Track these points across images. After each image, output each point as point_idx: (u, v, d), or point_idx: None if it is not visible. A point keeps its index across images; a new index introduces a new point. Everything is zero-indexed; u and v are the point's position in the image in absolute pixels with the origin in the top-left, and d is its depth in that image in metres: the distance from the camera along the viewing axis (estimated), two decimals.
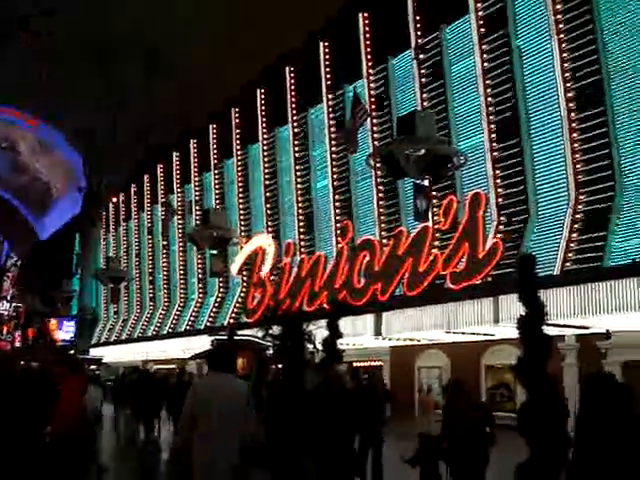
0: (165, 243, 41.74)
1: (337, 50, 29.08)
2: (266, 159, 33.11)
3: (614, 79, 19.07)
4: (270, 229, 32.32)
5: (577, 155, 19.85)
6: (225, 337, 19.82)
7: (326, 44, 29.38)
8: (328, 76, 29.27)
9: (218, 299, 35.96)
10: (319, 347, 12.17)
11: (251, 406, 6.29)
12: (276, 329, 12.57)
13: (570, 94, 20.02)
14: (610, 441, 4.75)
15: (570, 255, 19.31)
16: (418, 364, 25.61)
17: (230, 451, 5.94)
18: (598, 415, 4.86)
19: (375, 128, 26.43)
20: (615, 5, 19.05)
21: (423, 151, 15.22)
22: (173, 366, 33.41)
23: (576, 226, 19.56)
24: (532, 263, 7.51)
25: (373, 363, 26.74)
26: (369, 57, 27.18)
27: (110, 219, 50.01)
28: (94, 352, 45.08)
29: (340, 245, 26.75)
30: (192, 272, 39.08)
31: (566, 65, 20.13)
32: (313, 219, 29.90)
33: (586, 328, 19.03)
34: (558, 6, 20.36)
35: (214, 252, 29.12)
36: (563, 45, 20.20)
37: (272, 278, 29.96)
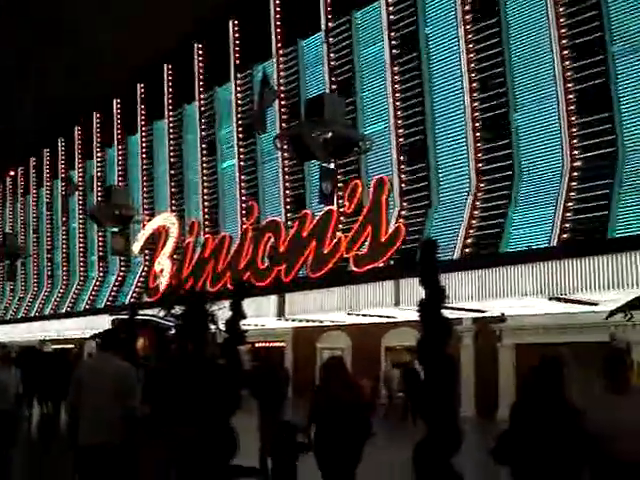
0: (65, 219, 40.61)
1: (247, 29, 28.82)
2: (172, 136, 32.59)
3: (516, 66, 19.64)
4: (174, 208, 31.90)
5: (478, 144, 20.40)
6: (126, 316, 19.46)
7: (236, 22, 29.08)
8: (237, 55, 29.01)
9: (119, 278, 35.32)
10: (222, 328, 12.13)
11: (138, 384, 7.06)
12: (178, 309, 12.45)
13: (474, 84, 20.52)
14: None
15: (469, 241, 19.86)
16: (320, 345, 25.88)
17: (109, 424, 6.64)
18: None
19: (283, 110, 26.39)
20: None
21: (330, 134, 15.35)
22: (71, 346, 32.61)
23: (475, 212, 20.13)
24: (434, 247, 7.64)
25: (275, 344, 26.85)
26: (279, 38, 27.06)
27: (7, 193, 48.24)
28: None
29: (245, 226, 26.68)
30: (92, 250, 38.20)
31: (471, 55, 20.62)
32: (218, 199, 29.68)
33: (483, 312, 19.66)
34: None
35: (115, 230, 28.60)
36: (469, 36, 20.67)
37: (175, 257, 29.62)
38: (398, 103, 22.59)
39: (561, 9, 18.59)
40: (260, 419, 11.41)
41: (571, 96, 18.40)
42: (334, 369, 7.78)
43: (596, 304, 16.88)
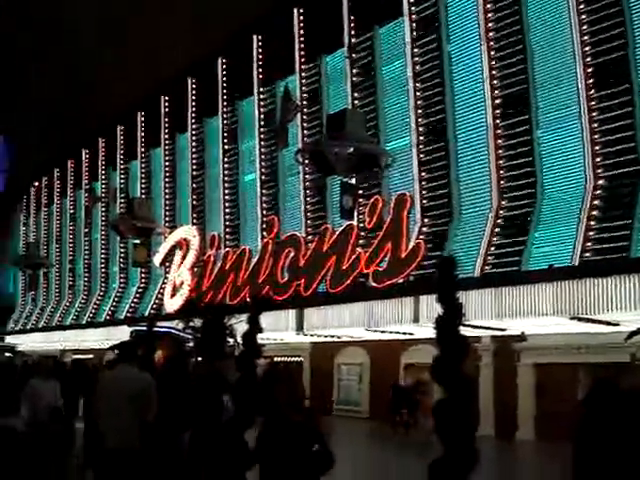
0: (87, 230, 40.89)
1: (270, 44, 28.97)
2: (194, 150, 32.77)
3: (540, 87, 19.57)
4: (195, 221, 32.02)
5: (501, 161, 20.30)
6: (145, 328, 19.53)
7: (259, 37, 29.26)
8: (260, 70, 29.16)
9: (140, 289, 35.45)
10: (240, 341, 12.13)
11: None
12: (197, 321, 12.47)
13: (497, 101, 20.45)
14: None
15: (490, 258, 19.73)
16: (338, 361, 25.79)
17: (126, 431, 7.06)
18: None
19: (305, 124, 26.44)
20: (544, 14, 19.55)
21: (351, 149, 15.35)
22: (91, 356, 32.74)
23: (497, 230, 20.01)
24: (452, 265, 7.59)
25: (294, 359, 26.80)
26: (302, 53, 27.15)
27: (31, 203, 48.68)
28: (9, 340, 43.83)
29: (265, 240, 26.70)
30: (114, 261, 38.41)
31: (494, 72, 20.55)
32: (239, 212, 29.76)
33: (502, 330, 19.50)
34: (489, 14, 20.76)
35: (137, 242, 28.74)
36: (492, 52, 20.63)
37: (195, 270, 29.70)
38: (420, 119, 22.56)
39: (584, 27, 18.49)
40: None
41: (594, 114, 18.26)
42: (280, 381, 6.26)
43: (617, 324, 16.68)
